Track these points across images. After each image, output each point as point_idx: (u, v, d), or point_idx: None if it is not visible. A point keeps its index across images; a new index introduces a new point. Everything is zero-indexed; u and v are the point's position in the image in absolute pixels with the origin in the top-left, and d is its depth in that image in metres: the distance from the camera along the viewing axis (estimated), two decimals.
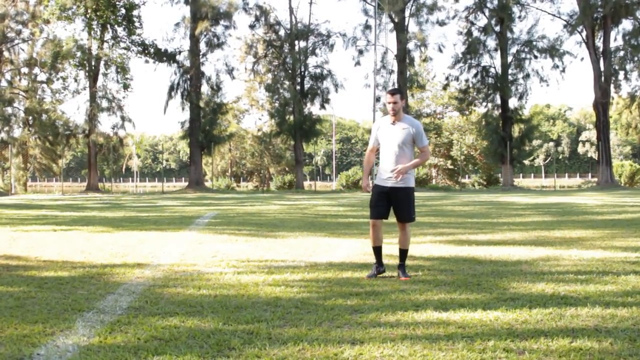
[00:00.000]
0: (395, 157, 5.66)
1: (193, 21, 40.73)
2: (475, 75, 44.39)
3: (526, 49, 43.31)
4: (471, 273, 5.98)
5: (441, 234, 10.02)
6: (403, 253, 5.87)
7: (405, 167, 5.61)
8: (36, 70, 42.85)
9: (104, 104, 41.75)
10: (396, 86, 43.19)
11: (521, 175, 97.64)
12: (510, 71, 42.73)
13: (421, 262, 6.74)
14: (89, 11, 39.69)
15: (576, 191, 37.66)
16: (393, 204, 5.74)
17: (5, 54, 42.38)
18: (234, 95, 75.90)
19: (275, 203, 22.43)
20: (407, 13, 42.88)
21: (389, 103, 5.64)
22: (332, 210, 17.70)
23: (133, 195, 38.66)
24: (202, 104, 41.96)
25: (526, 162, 69.37)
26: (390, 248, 8.04)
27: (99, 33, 41.31)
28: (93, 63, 41.26)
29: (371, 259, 7.02)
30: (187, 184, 45.26)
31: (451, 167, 60.00)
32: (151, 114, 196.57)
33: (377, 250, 5.85)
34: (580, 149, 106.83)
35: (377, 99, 43.46)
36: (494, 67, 43.78)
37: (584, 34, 41.86)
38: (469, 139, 59.63)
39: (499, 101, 43.55)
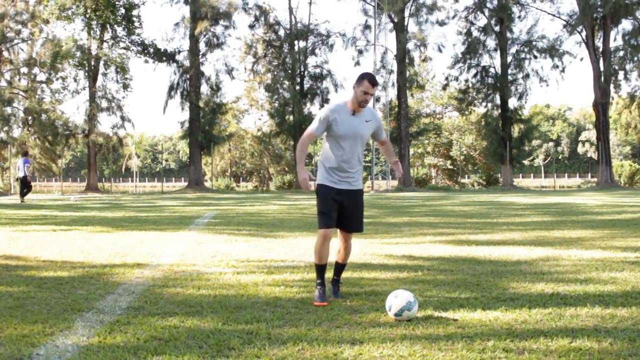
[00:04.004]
0: (352, 154, 4.75)
1: (193, 21, 40.73)
2: (475, 76, 44.41)
3: (526, 49, 43.32)
4: (471, 273, 5.98)
5: (441, 234, 10.02)
6: (342, 267, 5.01)
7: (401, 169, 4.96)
8: (36, 70, 42.83)
9: (104, 103, 41.76)
10: (397, 85, 43.17)
11: (521, 175, 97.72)
12: (509, 71, 42.75)
13: (421, 262, 6.73)
14: (89, 11, 39.68)
15: (576, 191, 37.68)
16: (344, 211, 4.77)
17: (5, 53, 42.36)
18: (233, 95, 76.07)
19: (275, 203, 22.43)
20: (406, 13, 42.88)
21: (366, 94, 4.59)
22: None
23: (132, 195, 38.66)
24: (201, 104, 41.96)
25: (526, 162, 69.42)
26: (390, 248, 8.04)
27: (98, 33, 41.30)
28: (92, 63, 41.25)
29: (371, 259, 7.02)
30: (186, 184, 45.25)
31: (451, 167, 60.02)
32: (151, 114, 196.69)
33: (324, 269, 4.84)
34: (580, 149, 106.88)
35: (377, 99, 43.47)
36: (494, 67, 43.82)
37: (584, 34, 41.88)
38: (468, 139, 59.64)
39: (498, 101, 43.58)
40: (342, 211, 4.76)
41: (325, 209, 4.71)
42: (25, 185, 23.90)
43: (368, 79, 4.57)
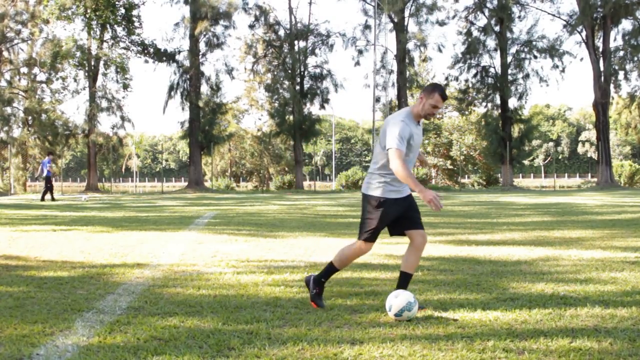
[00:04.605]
0: (413, 163, 4.56)
1: (193, 21, 40.71)
2: (475, 75, 44.39)
3: (526, 49, 43.31)
4: (471, 273, 5.98)
5: (441, 234, 10.02)
6: (409, 278, 4.58)
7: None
8: (36, 70, 42.79)
9: (104, 103, 41.72)
10: (397, 85, 43.15)
11: (521, 175, 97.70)
12: (510, 71, 42.74)
13: (421, 262, 6.73)
14: (89, 11, 39.65)
15: (576, 191, 37.67)
16: (406, 214, 4.53)
17: (5, 53, 42.33)
18: (233, 95, 76.03)
19: (275, 203, 22.43)
20: (406, 13, 42.87)
21: (435, 107, 4.33)
22: (331, 210, 17.70)
23: (132, 195, 38.65)
24: (201, 104, 41.94)
25: (526, 162, 69.43)
26: (390, 248, 8.04)
27: (98, 33, 41.27)
28: (92, 63, 41.21)
29: (371, 259, 7.02)
30: (186, 184, 45.23)
31: (451, 167, 60.01)
32: (151, 114, 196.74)
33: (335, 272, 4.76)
34: (580, 149, 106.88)
35: (377, 99, 43.45)
36: (494, 67, 43.80)
37: (584, 34, 41.87)
38: (468, 139, 59.63)
39: (498, 101, 43.56)
40: (405, 214, 4.50)
41: (382, 225, 4.45)
42: (46, 185, 24.59)
43: (439, 93, 4.32)
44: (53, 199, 24.55)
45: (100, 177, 54.54)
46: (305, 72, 44.71)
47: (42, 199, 24.27)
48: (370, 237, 4.49)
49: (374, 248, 7.92)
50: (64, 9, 39.62)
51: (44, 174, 24.25)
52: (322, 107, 45.29)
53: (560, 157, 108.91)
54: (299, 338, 3.64)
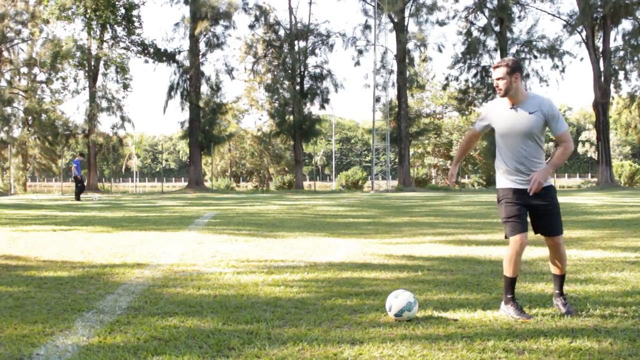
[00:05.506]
0: (520, 154, 4.20)
1: (193, 21, 40.71)
2: (475, 75, 44.41)
3: (526, 49, 43.33)
4: (471, 273, 5.98)
5: (441, 234, 10.02)
6: (559, 279, 4.38)
7: (543, 174, 4.11)
8: (36, 70, 42.78)
9: (104, 103, 41.70)
10: (397, 85, 43.11)
11: None
12: None
13: (421, 262, 6.73)
14: (89, 11, 39.65)
15: (576, 191, 37.67)
16: (536, 213, 4.29)
17: (5, 54, 42.33)
18: (233, 95, 76.00)
19: (275, 203, 22.42)
20: (406, 13, 42.86)
21: (494, 80, 4.21)
22: (331, 210, 17.69)
23: (132, 195, 38.63)
24: (201, 104, 41.94)
25: None
26: (390, 248, 8.03)
27: (98, 33, 41.26)
28: (93, 63, 41.20)
29: (372, 259, 7.02)
30: (186, 184, 45.22)
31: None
32: (151, 114, 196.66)
33: (514, 282, 4.31)
34: (580, 149, 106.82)
35: (377, 99, 43.44)
36: None
37: (584, 34, 41.88)
38: None
39: None
40: (533, 213, 4.29)
41: (509, 214, 4.22)
42: (77, 185, 25.65)
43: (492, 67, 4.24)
44: (78, 199, 25.37)
45: (100, 177, 54.54)
46: (305, 72, 44.71)
47: (78, 199, 24.95)
48: (507, 230, 4.26)
49: (374, 248, 7.96)
50: (64, 9, 39.61)
51: (74, 174, 25.45)
52: (322, 107, 45.31)
53: None
54: (299, 338, 3.64)
